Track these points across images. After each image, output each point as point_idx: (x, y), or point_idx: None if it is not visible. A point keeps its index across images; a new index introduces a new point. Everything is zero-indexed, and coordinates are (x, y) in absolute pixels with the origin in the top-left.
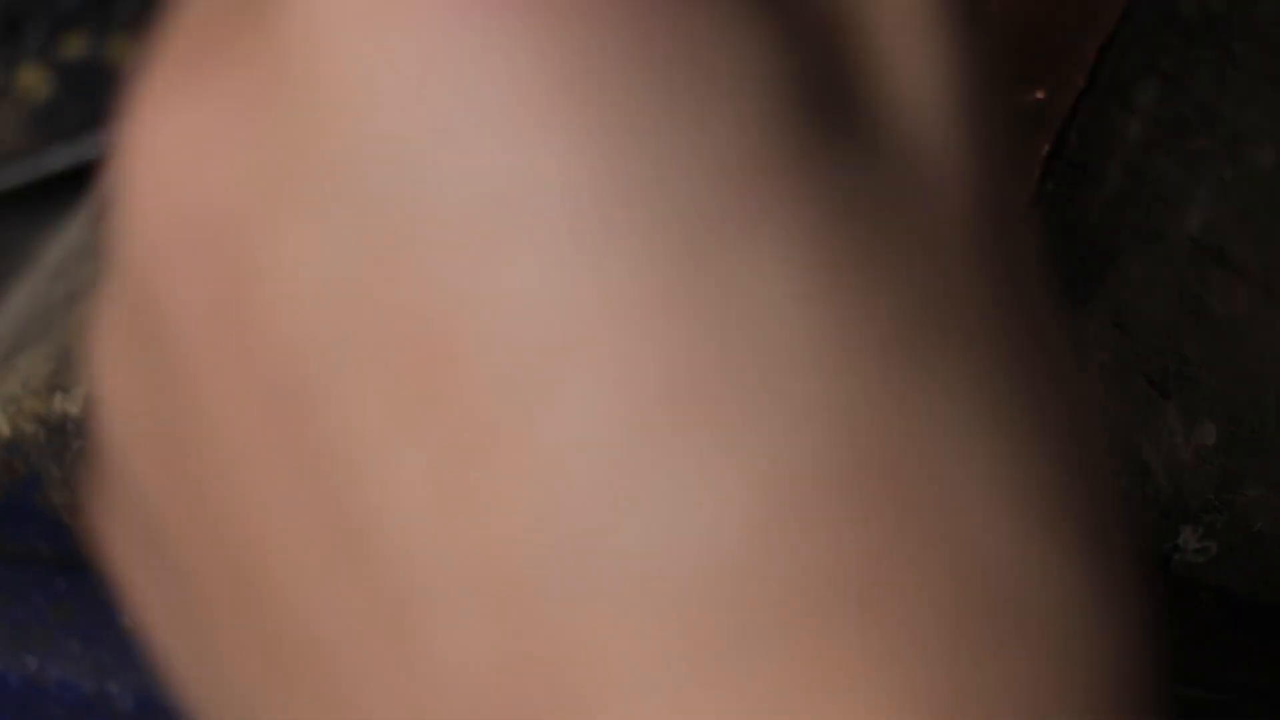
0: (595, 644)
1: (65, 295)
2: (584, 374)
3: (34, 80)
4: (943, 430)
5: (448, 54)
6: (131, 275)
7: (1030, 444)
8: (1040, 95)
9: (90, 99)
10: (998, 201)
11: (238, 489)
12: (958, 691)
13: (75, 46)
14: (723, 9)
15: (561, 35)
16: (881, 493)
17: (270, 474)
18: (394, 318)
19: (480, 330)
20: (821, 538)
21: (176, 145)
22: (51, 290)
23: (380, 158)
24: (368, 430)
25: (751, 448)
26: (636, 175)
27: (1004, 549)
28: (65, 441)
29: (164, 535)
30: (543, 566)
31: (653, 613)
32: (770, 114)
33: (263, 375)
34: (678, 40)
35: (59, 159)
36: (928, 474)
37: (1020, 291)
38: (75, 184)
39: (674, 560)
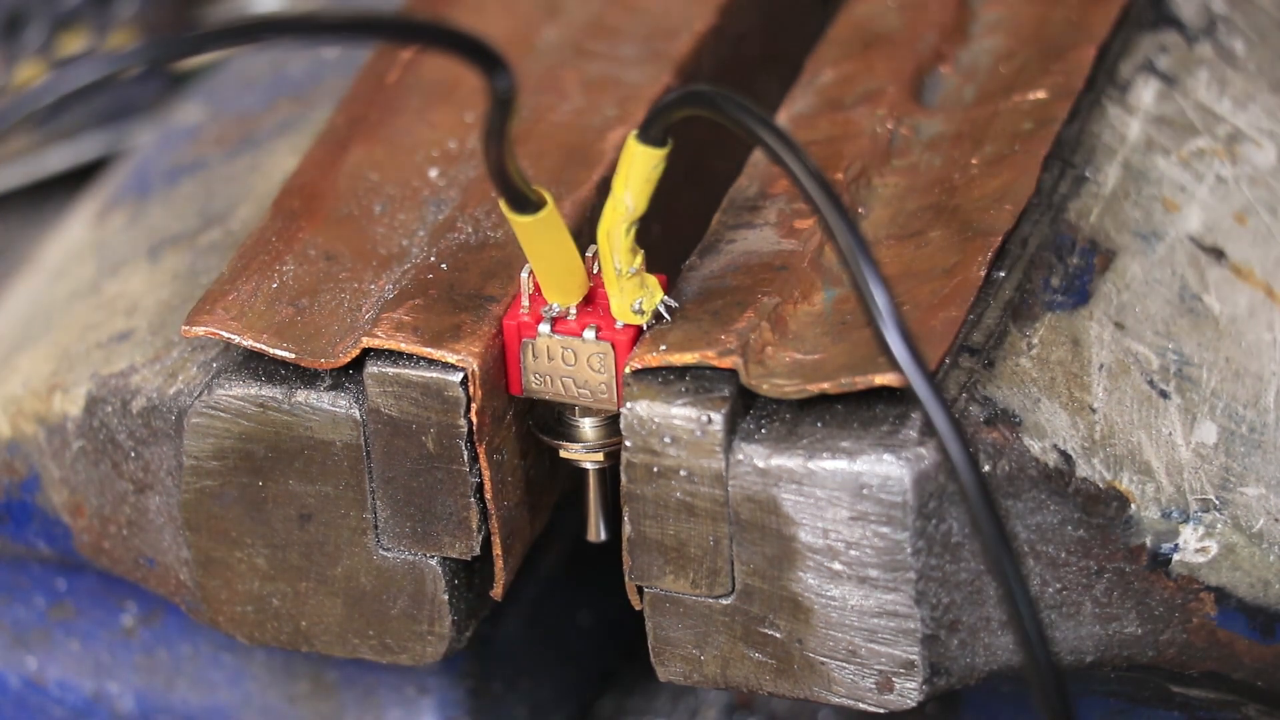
0: None
1: (65, 295)
2: None
3: (34, 79)
4: None
5: None
6: None
7: None
8: (1040, 95)
9: (90, 99)
10: None
11: None
12: None
13: (75, 45)
14: None
15: None
16: None
17: None
18: None
19: None
20: None
21: None
22: (52, 290)
23: None
24: None
25: None
26: None
27: None
28: (65, 441)
29: None
30: None
31: None
32: None
33: None
34: None
35: (59, 159)
36: None
37: None
38: (75, 184)
39: None
